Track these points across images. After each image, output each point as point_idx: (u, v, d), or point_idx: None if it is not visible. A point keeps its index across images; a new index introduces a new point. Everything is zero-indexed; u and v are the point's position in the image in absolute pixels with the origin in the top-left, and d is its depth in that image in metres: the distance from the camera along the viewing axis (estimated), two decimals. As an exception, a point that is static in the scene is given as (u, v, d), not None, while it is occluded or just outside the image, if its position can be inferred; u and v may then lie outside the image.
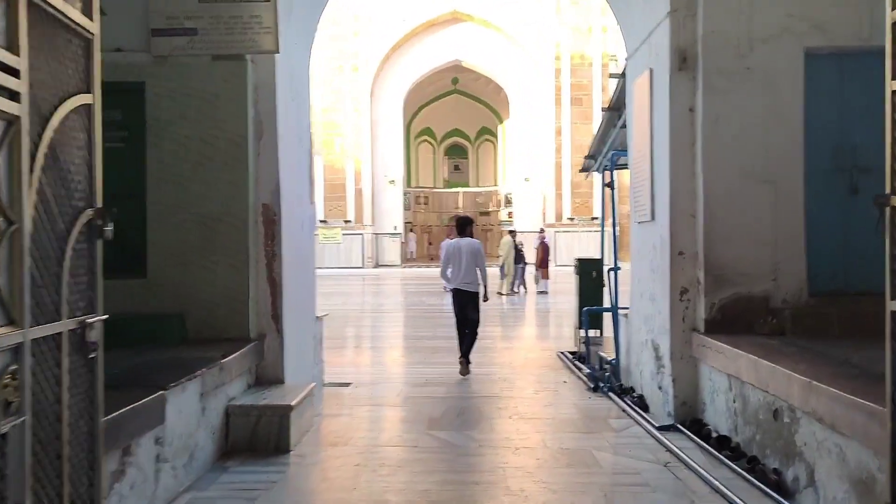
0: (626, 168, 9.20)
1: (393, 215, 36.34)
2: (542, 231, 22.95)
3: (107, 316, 2.81)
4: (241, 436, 5.18)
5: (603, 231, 10.78)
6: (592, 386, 7.43)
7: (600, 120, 34.17)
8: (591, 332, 9.35)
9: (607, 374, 7.46)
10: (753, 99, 5.58)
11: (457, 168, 47.69)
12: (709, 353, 5.39)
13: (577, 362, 8.99)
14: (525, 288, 21.00)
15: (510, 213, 39.95)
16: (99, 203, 2.76)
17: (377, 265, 35.14)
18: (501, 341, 11.61)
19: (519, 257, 20.38)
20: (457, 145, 47.22)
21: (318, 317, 7.60)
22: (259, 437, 5.17)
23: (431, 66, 35.60)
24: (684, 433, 5.47)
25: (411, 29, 34.40)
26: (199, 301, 5.73)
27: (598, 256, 11.45)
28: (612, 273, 7.52)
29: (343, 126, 34.32)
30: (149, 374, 4.38)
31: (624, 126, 9.05)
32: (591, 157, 10.83)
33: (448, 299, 18.78)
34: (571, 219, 34.23)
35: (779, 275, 5.54)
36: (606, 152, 10.00)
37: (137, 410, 3.56)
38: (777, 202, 5.55)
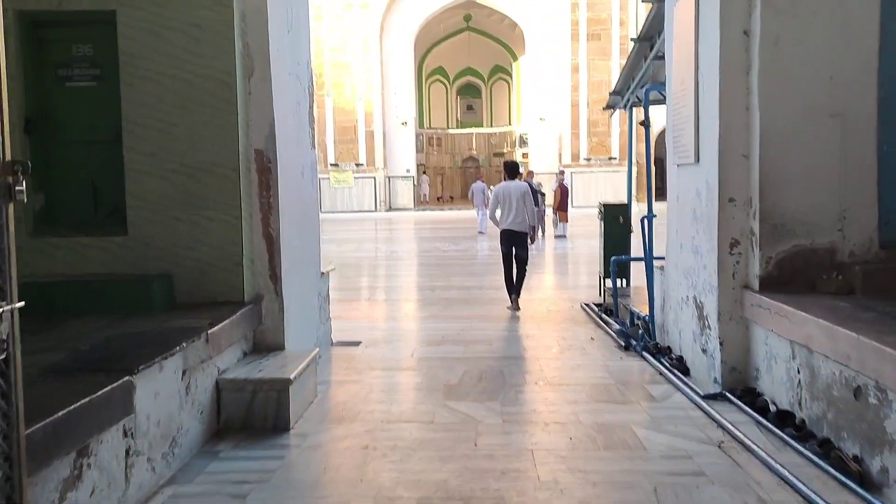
0: (662, 104, 8.46)
1: (405, 157, 35.53)
2: (560, 173, 22.16)
3: (22, 303, 2.15)
4: (235, 413, 4.59)
5: (630, 172, 10.03)
6: (623, 344, 6.81)
7: (625, 53, 32.84)
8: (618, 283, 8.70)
9: (640, 331, 6.82)
10: (820, 18, 4.78)
11: (470, 108, 46.56)
12: (765, 314, 4.72)
13: (603, 316, 8.36)
14: (543, 232, 20.28)
15: (525, 154, 39.04)
16: (7, 154, 2.09)
17: (390, 209, 34.49)
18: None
19: (536, 199, 19.60)
20: (470, 84, 46.02)
21: (323, 272, 6.98)
22: (255, 415, 4.59)
23: (443, 1, 34.25)
24: (735, 404, 4.85)
25: (421, -38, 33.01)
26: (188, 261, 5.10)
27: (623, 200, 10.74)
28: (646, 221, 6.81)
29: (353, 66, 33.27)
30: (120, 350, 3.78)
31: (658, 58, 8.26)
32: (617, 93, 10.03)
33: (463, 245, 18.37)
34: (588, 159, 33.33)
35: (846, 224, 4.82)
36: (635, 87, 9.21)
37: (95, 404, 2.95)
38: (845, 140, 4.80)
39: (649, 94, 6.92)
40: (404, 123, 35.18)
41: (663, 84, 7.25)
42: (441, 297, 10.30)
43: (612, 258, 8.27)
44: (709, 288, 5.32)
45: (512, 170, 9.41)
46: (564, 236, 19.51)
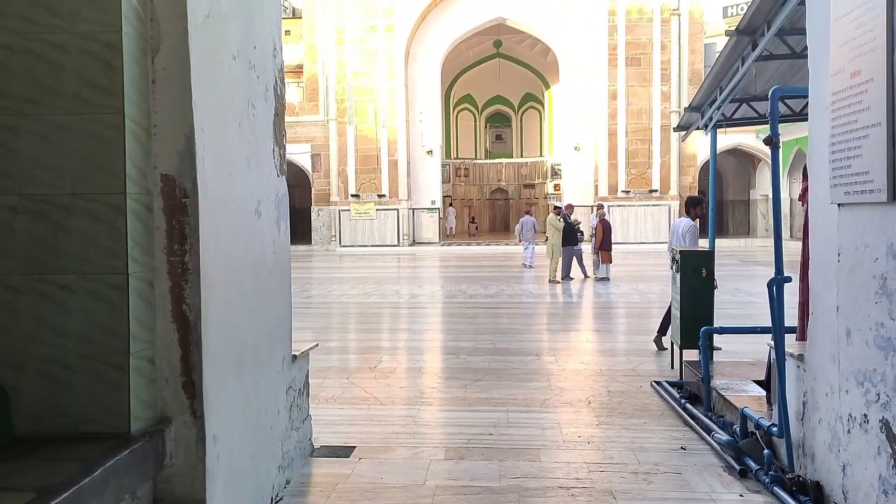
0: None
1: (431, 188, 33.50)
2: (600, 207, 19.91)
3: None
4: None
5: (713, 209, 7.86)
6: (737, 466, 4.60)
7: (667, 79, 30.61)
8: (689, 355, 6.45)
9: (764, 450, 4.58)
10: None
11: (499, 138, 44.73)
12: None
13: (688, 406, 6.14)
14: (585, 274, 18.03)
15: (557, 186, 36.96)
16: None
17: (413, 242, 32.41)
18: (564, 357, 8.77)
19: (573, 237, 17.40)
20: (499, 113, 44.20)
21: (297, 354, 4.83)
22: None
23: (473, 24, 32.41)
24: None
25: (450, -17, 31.25)
26: (38, 361, 2.99)
27: (700, 245, 8.59)
28: (775, 286, 4.57)
29: (376, 92, 31.45)
30: None
31: (764, 58, 6.13)
32: (696, 108, 7.83)
33: (492, 289, 16.14)
34: (627, 192, 31.07)
35: None
36: (724, 100, 7.04)
37: None
38: None
39: (777, 100, 4.67)
40: (430, 152, 33.18)
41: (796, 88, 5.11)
42: (468, 367, 8.10)
43: (704, 329, 6.04)
44: (925, 415, 3.10)
45: (687, 205, 9.30)
46: (608, 279, 17.23)
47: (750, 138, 30.92)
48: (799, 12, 5.37)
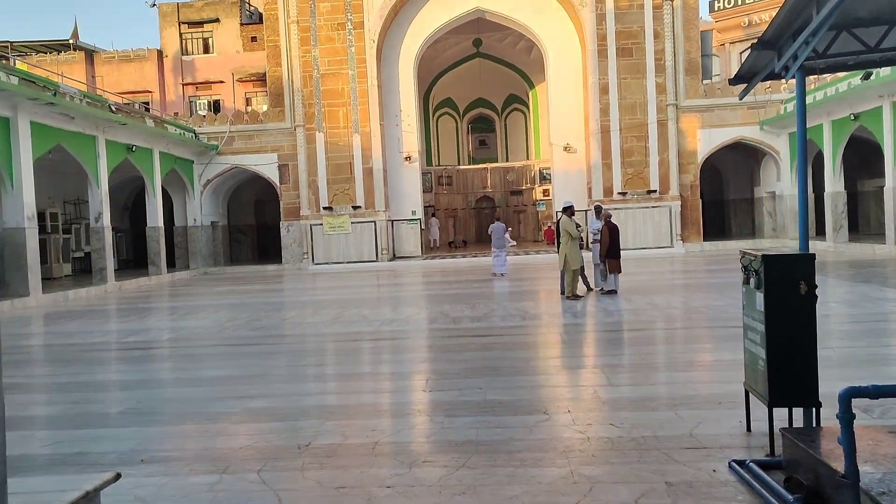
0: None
1: (411, 198, 30.82)
2: (599, 209, 17.23)
3: None
4: None
5: (804, 202, 5.33)
6: None
7: (661, 70, 27.69)
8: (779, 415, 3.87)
9: None
10: None
11: (483, 143, 42.22)
12: None
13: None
14: (588, 286, 15.43)
15: (546, 191, 34.44)
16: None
17: (393, 257, 29.74)
18: (585, 414, 6.17)
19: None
20: (482, 117, 41.71)
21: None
22: None
23: (449, 16, 29.89)
24: None
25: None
26: None
27: (794, 248, 6.03)
28: None
29: (346, 94, 28.82)
30: None
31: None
32: (768, 43, 5.26)
33: (480, 309, 13.44)
34: (623, 193, 28.54)
35: None
36: (830, 15, 4.49)
37: None
38: None
39: None
40: (408, 158, 30.51)
41: None
42: (446, 439, 5.48)
43: (846, 391, 3.42)
44: None
45: None
46: (616, 292, 14.63)
47: (753, 131, 28.56)
48: None
